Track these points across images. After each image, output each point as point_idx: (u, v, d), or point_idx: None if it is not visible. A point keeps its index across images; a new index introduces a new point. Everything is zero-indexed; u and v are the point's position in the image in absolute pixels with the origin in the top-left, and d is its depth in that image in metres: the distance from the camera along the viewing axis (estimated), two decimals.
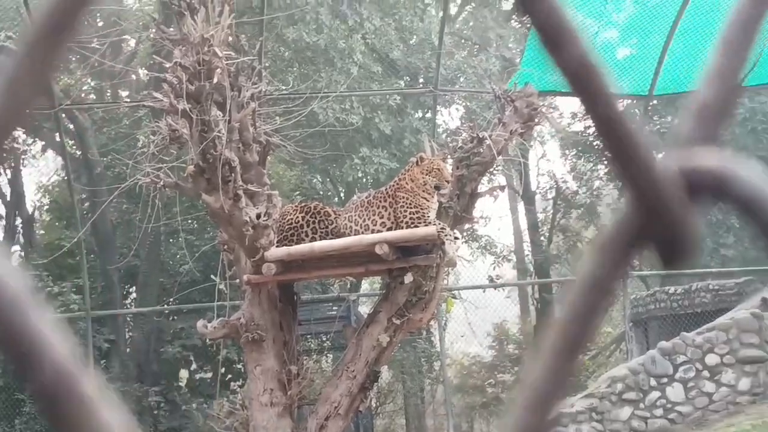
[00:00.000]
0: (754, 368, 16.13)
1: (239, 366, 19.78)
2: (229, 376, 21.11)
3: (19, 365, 0.77)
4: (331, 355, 21.77)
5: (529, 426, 0.90)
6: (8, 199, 24.71)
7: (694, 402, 15.89)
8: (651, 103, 21.42)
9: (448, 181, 9.73)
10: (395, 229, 9.52)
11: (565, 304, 0.93)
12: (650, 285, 26.32)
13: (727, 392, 15.97)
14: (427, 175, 9.64)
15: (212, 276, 10.92)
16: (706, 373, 16.00)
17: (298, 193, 20.98)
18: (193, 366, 22.40)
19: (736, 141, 24.99)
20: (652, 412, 15.85)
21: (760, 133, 24.60)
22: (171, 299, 19.74)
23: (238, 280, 10.25)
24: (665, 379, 15.97)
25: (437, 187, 9.64)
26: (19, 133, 24.36)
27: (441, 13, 20.41)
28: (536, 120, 10.78)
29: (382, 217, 9.68)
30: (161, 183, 9.44)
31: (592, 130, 26.04)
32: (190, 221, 20.04)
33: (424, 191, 9.62)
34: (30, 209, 25.02)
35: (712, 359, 16.07)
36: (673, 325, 19.86)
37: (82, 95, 23.78)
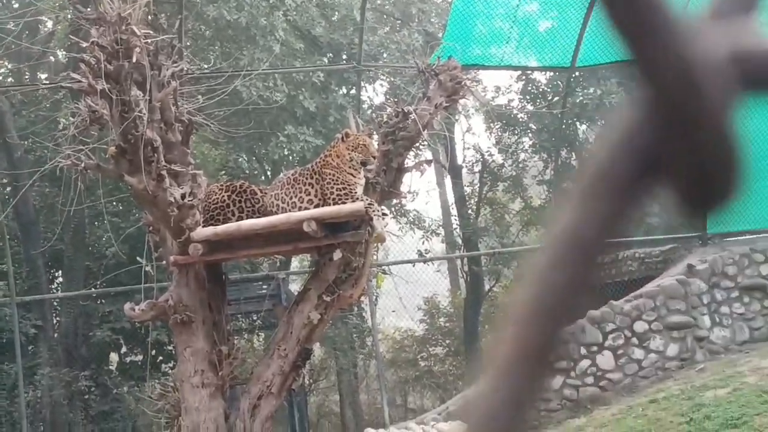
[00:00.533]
0: (682, 334, 16.40)
1: (170, 348, 19.63)
2: (160, 358, 20.95)
3: None
4: (263, 334, 21.70)
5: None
6: None
7: (624, 369, 16.11)
8: (573, 75, 21.56)
9: (374, 157, 9.71)
10: (323, 206, 9.49)
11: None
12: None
13: (656, 358, 16.22)
14: (353, 151, 9.61)
15: (138, 258, 10.78)
16: (635, 340, 16.23)
17: (223, 172, 20.82)
18: (123, 349, 22.16)
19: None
20: (583, 380, 16.04)
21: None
22: (98, 282, 19.47)
23: (164, 262, 10.15)
24: (595, 348, 16.16)
25: (363, 163, 9.63)
26: None
27: None
28: (461, 93, 10.79)
29: (309, 195, 9.64)
30: (82, 165, 9.28)
31: (515, 103, 26.25)
32: (114, 203, 19.77)
33: (350, 167, 9.60)
34: None
35: (640, 326, 16.30)
36: (601, 294, 20.07)
37: (0, 78, 23.31)
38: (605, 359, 16.13)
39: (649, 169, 0.58)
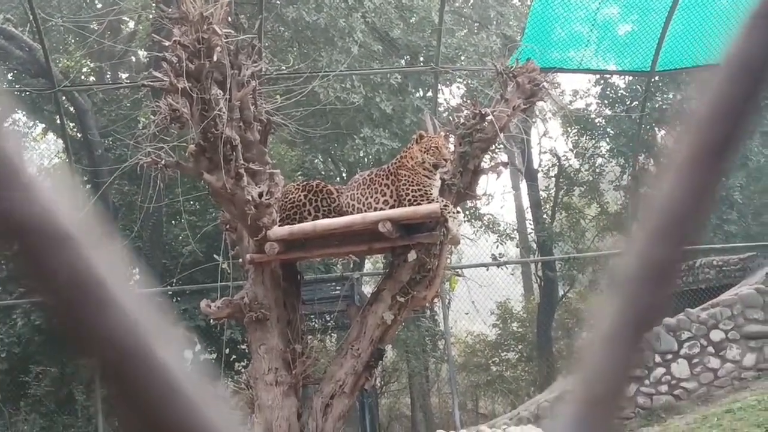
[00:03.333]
0: (759, 344, 16.13)
1: (243, 347, 19.78)
2: (234, 356, 21.11)
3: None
4: (335, 335, 21.77)
5: (662, 256, 0.79)
6: None
7: (699, 378, 15.89)
8: (653, 79, 21.32)
9: (446, 160, 9.67)
10: (398, 207, 9.49)
11: (703, 103, 0.79)
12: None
13: (732, 368, 15.97)
14: (425, 153, 9.60)
15: (215, 256, 10.90)
16: (710, 349, 16.00)
17: (299, 173, 20.92)
18: (197, 347, 22.40)
19: None
20: (657, 388, 15.86)
21: (763, 109, 24.46)
22: (174, 280, 19.70)
23: (240, 260, 10.24)
24: (670, 356, 15.97)
25: (436, 166, 9.60)
26: (20, 116, 24.35)
27: None
28: (538, 96, 10.72)
29: (384, 195, 9.65)
30: (162, 163, 9.40)
31: (593, 107, 26.04)
32: (192, 202, 20.01)
33: (424, 169, 9.58)
34: None
35: (716, 335, 16.06)
36: (678, 302, 19.82)
37: (82, 77, 23.71)
38: (680, 368, 15.93)
39: None
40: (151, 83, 9.45)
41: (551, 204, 27.13)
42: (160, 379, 0.74)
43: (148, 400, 0.75)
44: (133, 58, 25.20)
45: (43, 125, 25.55)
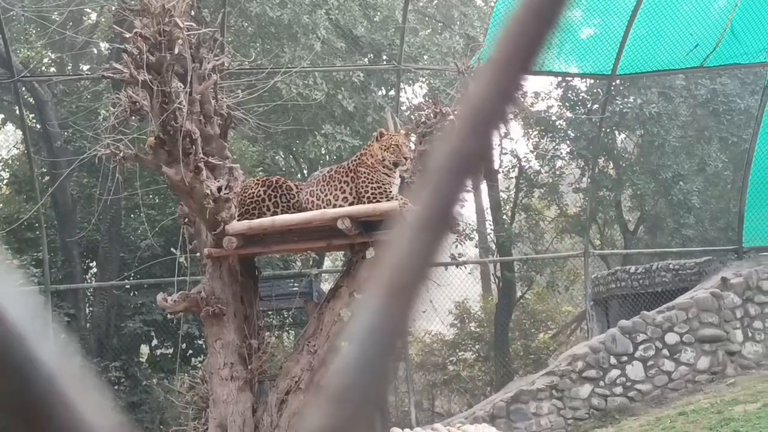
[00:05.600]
0: (713, 347, 16.30)
1: (200, 341, 19.71)
2: (190, 351, 21.03)
3: None
4: (293, 332, 21.75)
5: (468, 149, 0.91)
6: None
7: (654, 380, 16.04)
8: (614, 83, 21.47)
9: (406, 158, 9.71)
10: (357, 204, 9.51)
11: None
12: (611, 264, 26.47)
13: (686, 371, 16.13)
14: (385, 151, 9.63)
15: (173, 249, 10.85)
16: (665, 352, 16.16)
17: (260, 168, 20.86)
18: (154, 341, 22.27)
19: (698, 122, 25.14)
20: (612, 389, 15.99)
21: (721, 114, 24.72)
22: (131, 273, 19.58)
23: (198, 254, 10.21)
24: (625, 358, 16.10)
25: (395, 164, 9.63)
26: None
27: None
28: None
29: (344, 192, 9.67)
30: (121, 155, 9.34)
31: (553, 109, 26.17)
32: (150, 195, 19.89)
33: (384, 167, 9.61)
34: None
35: (671, 338, 16.22)
36: (634, 304, 20.00)
37: (42, 67, 23.52)
38: (635, 369, 16.07)
39: None
40: (112, 75, 9.41)
41: (511, 205, 27.24)
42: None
43: None
44: (95, 50, 25.02)
45: (2, 116, 25.32)
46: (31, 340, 0.80)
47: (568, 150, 26.55)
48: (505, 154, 27.28)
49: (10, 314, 0.79)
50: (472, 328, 26.96)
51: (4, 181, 23.99)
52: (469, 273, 27.60)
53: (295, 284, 18.53)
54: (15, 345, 0.79)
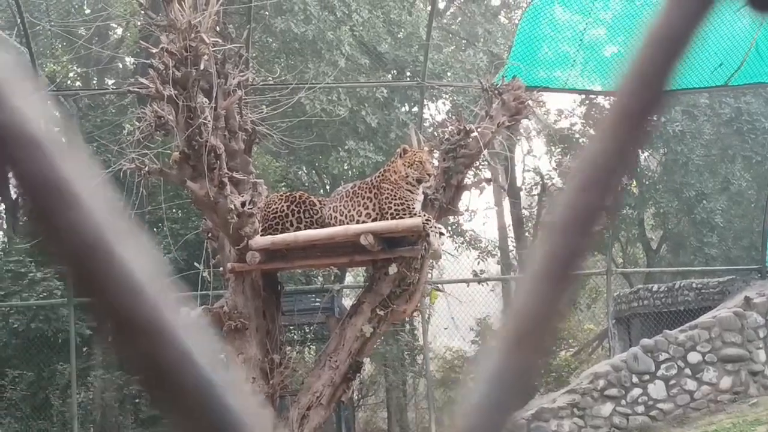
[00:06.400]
0: (736, 367, 16.20)
1: (222, 356, 19.71)
2: None
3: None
4: (314, 347, 21.74)
5: (586, 205, 0.91)
6: None
7: (676, 399, 15.95)
8: None
9: (429, 175, 9.72)
10: (380, 220, 9.52)
11: (627, 71, 0.92)
12: (634, 282, 26.40)
13: (709, 390, 16.03)
14: (409, 167, 9.63)
15: (196, 264, 10.87)
16: (687, 371, 16.06)
17: (283, 184, 20.89)
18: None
19: (722, 140, 25.06)
20: (633, 408, 15.90)
21: (745, 134, 24.65)
22: None
23: (221, 269, 10.23)
24: (647, 376, 16.02)
25: (419, 180, 9.64)
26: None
27: (429, 7, 20.39)
28: (523, 114, 10.77)
29: (367, 208, 9.68)
30: (146, 169, 9.40)
31: (577, 127, 26.15)
32: (174, 209, 19.96)
33: (407, 183, 9.62)
34: (14, 195, 24.83)
35: (694, 357, 16.12)
36: (656, 323, 19.92)
37: (68, 81, 23.67)
38: (657, 388, 15.98)
39: None
40: (137, 90, 9.46)
41: (533, 222, 27.20)
42: (122, 277, 0.80)
43: (111, 297, 0.81)
44: (120, 65, 25.19)
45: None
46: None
47: None
48: (528, 171, 27.30)
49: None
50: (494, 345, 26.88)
51: None
52: (491, 290, 27.52)
53: (317, 299, 18.54)
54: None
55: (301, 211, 9.92)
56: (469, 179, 10.93)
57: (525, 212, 27.58)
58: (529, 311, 0.93)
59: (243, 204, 9.11)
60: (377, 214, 9.62)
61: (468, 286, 21.91)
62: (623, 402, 15.93)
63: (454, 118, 11.39)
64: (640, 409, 15.91)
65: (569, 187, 0.96)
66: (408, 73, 22.94)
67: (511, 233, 27.99)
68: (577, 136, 26.21)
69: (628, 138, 0.97)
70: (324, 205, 10.08)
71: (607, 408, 15.87)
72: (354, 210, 9.73)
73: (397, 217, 9.46)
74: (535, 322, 0.93)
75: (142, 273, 0.83)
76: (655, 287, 21.95)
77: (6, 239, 23.66)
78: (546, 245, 0.94)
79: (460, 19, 28.09)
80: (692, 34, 0.91)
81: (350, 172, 22.33)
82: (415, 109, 22.89)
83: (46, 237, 0.81)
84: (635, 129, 0.97)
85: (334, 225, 9.69)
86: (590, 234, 0.95)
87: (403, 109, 23.59)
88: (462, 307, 23.65)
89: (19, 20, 17.33)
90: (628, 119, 0.96)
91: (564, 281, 0.94)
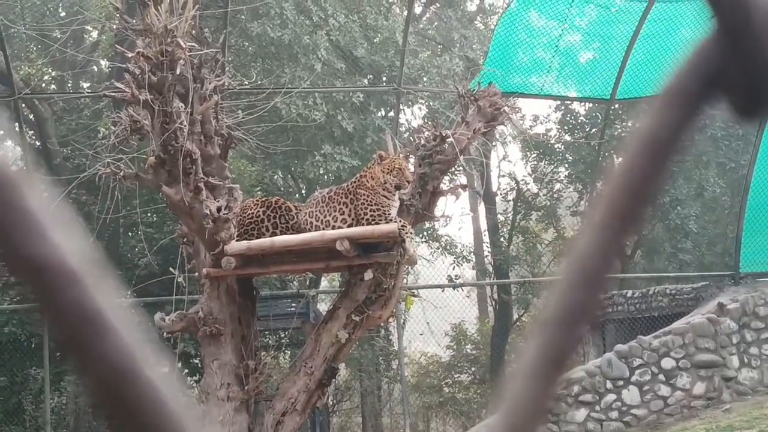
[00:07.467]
0: (709, 373, 16.26)
1: (196, 361, 19.65)
2: (186, 370, 20.97)
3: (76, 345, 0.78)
4: (289, 352, 21.69)
5: (577, 302, 0.90)
6: None
7: (650, 405, 15.99)
8: (612, 107, 21.53)
9: (408, 181, 9.73)
10: (356, 226, 9.52)
11: (616, 172, 0.92)
12: (607, 288, 26.46)
13: (682, 396, 16.08)
14: (387, 174, 9.64)
15: (171, 269, 10.83)
16: (661, 377, 16.10)
17: (259, 188, 20.86)
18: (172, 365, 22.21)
19: (696, 147, 25.19)
20: (607, 414, 15.93)
21: (719, 140, 24.81)
22: (129, 292, 19.54)
23: (197, 274, 10.20)
24: (621, 382, 16.05)
25: (398, 187, 9.65)
26: None
27: (405, 12, 20.42)
28: (499, 120, 10.80)
29: (342, 214, 9.68)
30: (121, 174, 9.35)
31: (553, 133, 26.23)
32: (149, 214, 19.87)
33: (384, 189, 9.62)
34: None
35: (667, 363, 16.17)
36: (630, 329, 19.97)
37: (43, 85, 23.56)
38: (631, 394, 16.02)
39: (712, 84, 0.77)
40: (113, 94, 9.42)
41: (508, 227, 27.28)
42: (150, 396, 0.81)
43: (141, 415, 0.81)
44: (95, 68, 25.08)
45: (1, 132, 25.34)
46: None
47: (566, 173, 26.61)
48: (504, 176, 27.36)
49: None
50: (469, 351, 26.96)
51: None
52: (466, 295, 27.57)
53: (293, 304, 18.50)
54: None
55: (277, 216, 9.91)
56: (444, 185, 10.95)
57: (500, 217, 27.62)
58: (518, 408, 0.93)
59: (218, 209, 9.08)
60: (353, 219, 9.62)
61: (443, 291, 21.98)
62: (597, 408, 15.96)
63: (430, 123, 11.40)
64: (614, 414, 15.94)
65: (560, 284, 0.97)
66: (384, 78, 22.95)
67: (486, 238, 28.03)
68: (552, 142, 26.28)
69: (618, 234, 0.98)
70: (300, 210, 10.07)
71: (581, 414, 15.91)
72: (330, 215, 9.73)
73: (373, 222, 9.46)
74: (525, 419, 0.93)
75: (165, 390, 0.85)
76: (630, 293, 22.01)
77: None
78: (536, 343, 0.93)
79: (436, 24, 28.13)
80: (678, 141, 0.90)
81: (326, 177, 22.33)
82: (392, 114, 22.92)
83: (79, 366, 0.82)
84: (625, 227, 0.97)
85: (309, 230, 9.69)
86: (580, 332, 0.94)
87: (379, 114, 23.61)
88: (437, 312, 23.70)
89: None
90: (618, 219, 0.98)
91: (554, 379, 0.94)
